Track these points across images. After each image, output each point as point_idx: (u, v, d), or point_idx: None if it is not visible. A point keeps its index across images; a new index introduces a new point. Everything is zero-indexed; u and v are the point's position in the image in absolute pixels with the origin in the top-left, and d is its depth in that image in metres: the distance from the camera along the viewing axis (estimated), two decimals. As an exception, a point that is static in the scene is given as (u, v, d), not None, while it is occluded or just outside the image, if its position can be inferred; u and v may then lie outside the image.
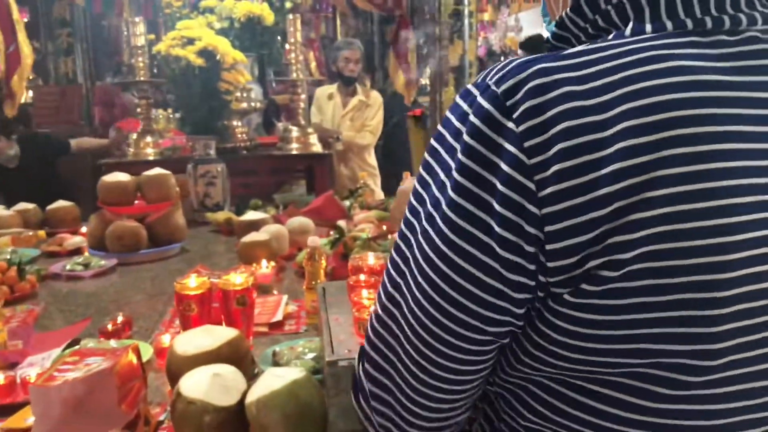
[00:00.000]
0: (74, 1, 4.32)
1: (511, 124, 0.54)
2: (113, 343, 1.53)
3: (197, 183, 3.08)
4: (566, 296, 0.55)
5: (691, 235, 0.52)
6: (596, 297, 0.54)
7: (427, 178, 0.61)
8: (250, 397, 1.07)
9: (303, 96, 3.56)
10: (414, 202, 0.62)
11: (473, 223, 0.56)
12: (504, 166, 0.54)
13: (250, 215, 2.63)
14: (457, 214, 0.56)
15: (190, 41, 2.99)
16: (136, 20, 3.30)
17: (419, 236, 0.60)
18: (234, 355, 1.26)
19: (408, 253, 0.62)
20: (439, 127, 0.61)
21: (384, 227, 2.60)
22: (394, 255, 0.65)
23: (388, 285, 0.65)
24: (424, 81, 6.18)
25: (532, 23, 10.84)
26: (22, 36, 4.37)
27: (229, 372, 1.15)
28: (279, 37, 4.04)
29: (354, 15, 7.17)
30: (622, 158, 0.52)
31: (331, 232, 2.66)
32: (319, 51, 7.16)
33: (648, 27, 0.59)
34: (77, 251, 2.59)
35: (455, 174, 0.56)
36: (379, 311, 0.66)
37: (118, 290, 2.14)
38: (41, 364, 1.46)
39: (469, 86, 0.59)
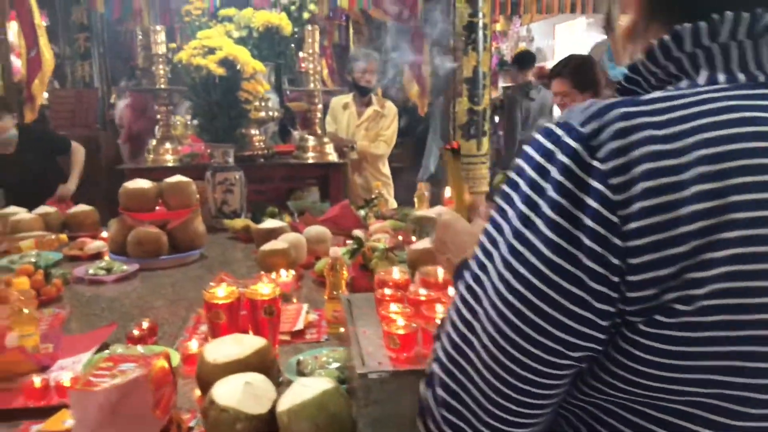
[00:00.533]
0: (94, 7, 4.38)
1: (596, 163, 0.59)
2: (140, 348, 1.57)
3: (215, 190, 3.13)
4: (641, 325, 0.60)
5: (761, 275, 0.57)
6: (669, 328, 0.59)
7: (506, 207, 0.65)
8: (281, 407, 1.10)
9: (320, 106, 3.61)
10: (491, 230, 0.67)
11: (563, 257, 0.60)
12: (591, 202, 0.59)
13: (269, 223, 2.67)
14: (548, 247, 0.60)
15: (211, 50, 3.04)
16: (157, 29, 3.36)
17: (498, 265, 0.64)
18: (262, 363, 1.30)
19: (485, 279, 0.66)
20: (519, 161, 0.66)
21: (399, 237, 2.64)
22: (469, 280, 0.68)
23: (463, 310, 0.68)
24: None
25: (543, 34, 10.89)
26: (43, 41, 4.46)
27: (259, 381, 1.19)
28: (293, 45, 4.09)
29: (367, 23, 7.22)
30: (698, 201, 0.57)
31: (348, 242, 2.71)
32: (331, 59, 7.22)
33: (721, 77, 0.64)
34: (98, 255, 2.64)
35: (546, 210, 0.61)
36: (454, 337, 0.69)
37: (140, 295, 2.18)
38: (72, 368, 1.51)
39: (550, 126, 0.64)
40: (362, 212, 3.04)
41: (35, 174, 3.72)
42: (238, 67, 3.09)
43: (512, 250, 0.63)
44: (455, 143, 1.03)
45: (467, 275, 0.69)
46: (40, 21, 4.44)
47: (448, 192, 3.12)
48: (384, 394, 1.01)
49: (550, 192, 0.61)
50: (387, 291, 1.22)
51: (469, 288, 0.68)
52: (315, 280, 2.27)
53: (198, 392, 1.41)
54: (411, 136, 5.36)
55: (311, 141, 3.64)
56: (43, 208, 3.05)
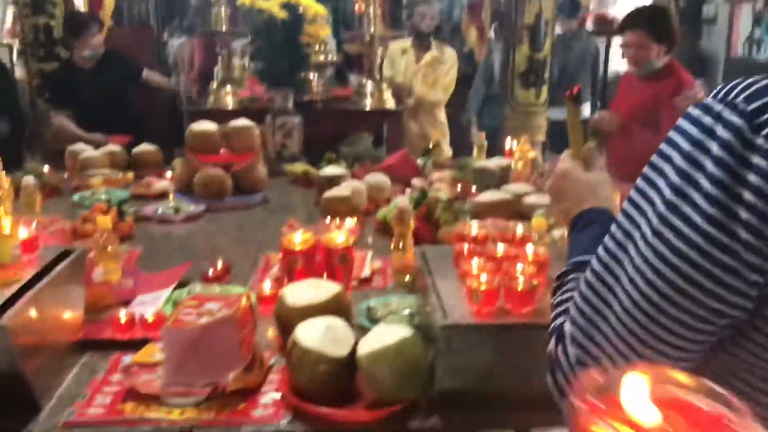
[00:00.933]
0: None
1: (760, 141, 0.60)
2: (217, 288, 1.64)
3: (275, 134, 3.16)
4: None
5: None
6: None
7: (656, 179, 0.67)
8: (362, 351, 1.14)
9: (378, 50, 3.57)
10: (638, 199, 0.69)
11: (720, 230, 0.62)
12: (753, 179, 0.60)
13: (330, 170, 2.69)
14: (705, 220, 0.62)
15: (274, -6, 3.02)
16: (220, -31, 3.35)
17: (647, 235, 0.66)
18: (338, 308, 1.34)
19: (630, 247, 0.68)
20: (672, 133, 0.67)
21: (459, 187, 2.63)
22: (611, 245, 0.71)
23: (603, 273, 0.71)
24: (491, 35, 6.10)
25: (605, -22, 10.39)
26: (105, -23, 4.49)
27: (339, 324, 1.23)
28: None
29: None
30: None
31: (407, 190, 2.72)
32: (385, 2, 7.07)
33: None
34: (163, 194, 2.72)
35: (705, 184, 0.62)
36: (591, 297, 0.72)
37: (207, 236, 2.25)
38: (153, 304, 1.58)
39: (708, 101, 0.65)
40: (420, 161, 3.04)
41: (109, 96, 3.75)
42: (300, 10, 3.06)
43: (664, 221, 0.65)
44: (575, 88, 1.01)
45: (608, 240, 0.71)
46: (102, -43, 4.46)
47: (508, 143, 3.09)
48: (465, 345, 1.04)
49: (710, 168, 0.62)
50: (466, 246, 1.23)
51: (609, 252, 0.71)
52: (376, 228, 2.30)
53: (270, 332, 1.47)
54: (467, 84, 5.27)
55: (369, 86, 3.62)
56: (110, 147, 3.13)
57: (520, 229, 1.28)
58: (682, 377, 0.37)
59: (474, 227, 1.32)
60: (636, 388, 0.35)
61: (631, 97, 3.06)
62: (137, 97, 4.09)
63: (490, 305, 1.05)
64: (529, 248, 1.18)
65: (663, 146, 0.68)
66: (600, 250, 0.73)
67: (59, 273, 1.30)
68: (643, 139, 2.82)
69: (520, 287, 1.04)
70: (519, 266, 1.10)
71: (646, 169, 0.69)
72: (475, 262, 1.12)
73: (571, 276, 0.86)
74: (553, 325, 0.80)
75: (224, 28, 3.37)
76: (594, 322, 0.71)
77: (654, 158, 0.68)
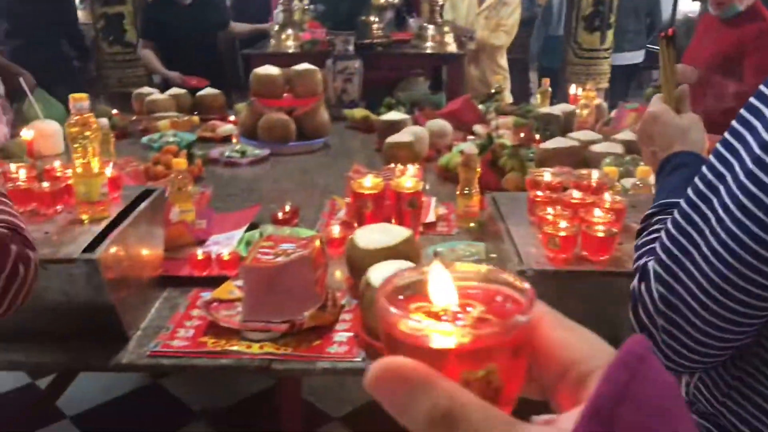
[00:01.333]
0: None
1: None
2: (287, 230, 1.68)
3: (335, 79, 3.15)
4: None
5: None
6: None
7: (744, 132, 0.67)
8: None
9: (440, -8, 3.48)
10: (724, 152, 0.69)
11: None
12: None
13: (391, 115, 2.68)
14: None
15: (336, -68, 2.95)
16: None
17: (732, 186, 0.67)
18: (408, 252, 1.36)
19: (713, 198, 0.69)
20: (754, 101, 0.66)
21: (522, 134, 2.59)
22: (701, 186, 0.72)
23: (693, 215, 0.72)
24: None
25: None
26: None
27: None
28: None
29: None
30: None
31: (469, 137, 2.69)
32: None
33: None
34: (228, 138, 2.77)
35: None
36: (678, 236, 0.73)
37: (274, 179, 2.29)
38: (227, 244, 1.64)
39: None
40: (482, 107, 2.99)
41: (197, 36, 3.71)
42: (363, -50, 3.00)
43: (750, 175, 0.65)
44: (671, 30, 0.98)
45: (697, 182, 0.71)
46: None
47: (573, 89, 3.01)
48: (542, 291, 1.04)
49: None
50: (539, 193, 1.23)
51: (699, 193, 0.71)
52: (438, 174, 2.30)
53: (339, 273, 1.51)
54: (528, 26, 5.11)
55: (430, 30, 3.54)
56: (175, 90, 3.19)
57: (595, 176, 1.26)
58: (473, 267, 0.39)
59: (548, 174, 1.30)
60: (438, 279, 0.37)
61: (711, 42, 2.90)
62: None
63: (567, 252, 1.05)
64: (607, 196, 1.16)
65: (753, 100, 0.67)
66: (689, 192, 0.73)
67: (142, 211, 1.36)
68: (725, 89, 2.69)
69: (599, 234, 1.03)
70: (597, 213, 1.09)
71: (735, 121, 0.69)
72: (549, 209, 1.11)
73: (658, 218, 0.85)
74: (637, 264, 0.82)
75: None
76: (680, 261, 0.72)
77: (743, 111, 0.68)
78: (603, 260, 1.05)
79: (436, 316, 0.36)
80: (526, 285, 0.37)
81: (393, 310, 0.33)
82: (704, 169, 0.72)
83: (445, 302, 0.36)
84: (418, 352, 0.32)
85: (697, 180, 0.72)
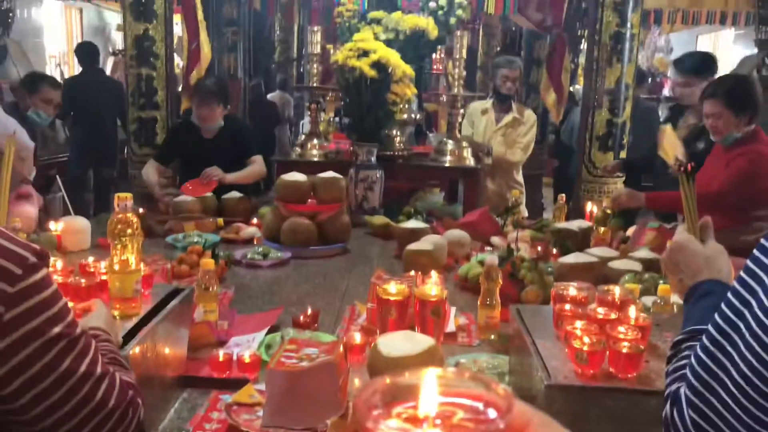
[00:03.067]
0: (252, 5, 4.65)
1: None
2: (308, 333, 1.69)
3: (357, 186, 3.25)
4: None
5: None
6: None
7: (759, 272, 0.72)
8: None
9: (462, 111, 3.66)
10: (742, 290, 0.74)
11: None
12: None
13: (411, 223, 2.74)
14: None
15: (365, 53, 3.16)
16: (314, 29, 3.54)
17: (753, 324, 0.71)
18: (431, 362, 1.35)
19: (747, 315, 0.72)
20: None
21: (539, 248, 2.63)
22: (728, 312, 0.75)
23: (720, 338, 0.75)
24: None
25: (684, 44, 10.34)
26: (203, 35, 4.80)
27: (435, 378, 1.25)
28: (439, 47, 4.15)
29: (503, 29, 7.18)
30: None
31: (487, 248, 2.74)
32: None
33: None
34: (251, 240, 2.83)
35: None
36: (708, 362, 0.75)
37: (295, 282, 2.32)
38: (248, 346, 1.64)
39: None
40: (499, 220, 3.05)
41: (220, 164, 3.40)
42: (390, 69, 3.19)
43: (759, 321, 0.70)
44: (689, 165, 1.04)
45: (724, 307, 0.74)
46: (203, 17, 4.77)
47: (588, 206, 3.08)
48: (569, 407, 1.04)
49: None
50: (567, 306, 1.24)
51: (726, 319, 0.74)
52: (457, 283, 2.32)
53: (358, 381, 1.50)
54: (543, 144, 5.30)
55: (450, 144, 3.69)
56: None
57: (618, 292, 1.28)
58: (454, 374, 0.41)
59: (573, 288, 1.33)
60: (421, 385, 0.38)
61: (714, 167, 3.01)
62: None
63: (595, 368, 1.05)
64: (632, 312, 1.18)
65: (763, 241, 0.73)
66: (717, 317, 0.75)
67: (171, 310, 1.38)
68: (720, 214, 2.76)
69: (626, 350, 1.04)
70: (622, 329, 1.10)
71: (756, 250, 0.74)
72: (578, 323, 1.13)
73: (687, 344, 0.87)
74: (668, 390, 0.83)
75: (315, 84, 3.53)
76: (712, 387, 0.73)
77: (763, 240, 0.73)
78: (631, 377, 1.05)
79: (415, 422, 0.37)
80: (506, 390, 0.38)
81: (369, 414, 0.35)
82: (730, 295, 0.75)
83: (426, 408, 0.38)
84: None
85: (723, 306, 0.75)
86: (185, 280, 2.08)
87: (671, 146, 3.20)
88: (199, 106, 3.40)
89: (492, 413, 0.38)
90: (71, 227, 2.52)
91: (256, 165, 3.50)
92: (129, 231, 1.25)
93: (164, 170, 3.62)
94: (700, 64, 3.44)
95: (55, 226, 2.46)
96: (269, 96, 7.55)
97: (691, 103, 3.35)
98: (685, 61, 3.53)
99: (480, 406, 0.39)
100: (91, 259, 1.57)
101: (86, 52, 5.81)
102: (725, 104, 2.83)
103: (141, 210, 3.04)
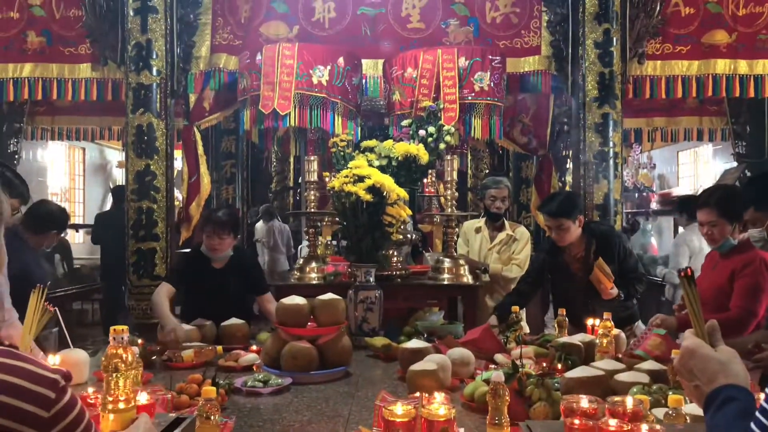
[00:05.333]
0: (249, 137, 4.87)
1: None
2: (314, 463, 1.63)
3: (357, 308, 3.25)
4: None
5: None
6: None
7: None
8: None
9: (456, 229, 3.74)
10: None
11: None
12: None
13: (413, 343, 2.72)
14: None
15: (360, 179, 3.28)
16: (311, 158, 3.70)
17: None
18: (443, 486, 1.31)
19: None
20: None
21: (543, 364, 2.60)
22: (763, 421, 0.79)
23: None
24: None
25: (665, 160, 10.74)
26: (203, 168, 4.99)
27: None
28: (431, 172, 4.30)
29: (490, 152, 7.48)
30: None
31: (491, 366, 2.70)
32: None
33: None
34: (250, 367, 2.78)
35: None
36: None
37: (296, 409, 2.26)
38: (251, 477, 1.58)
39: None
40: (501, 337, 3.03)
41: (226, 304, 3.45)
42: (384, 193, 3.30)
43: None
44: (689, 270, 1.07)
45: (755, 427, 0.78)
46: (202, 151, 4.99)
47: (590, 321, 3.07)
48: None
49: None
50: (576, 421, 1.22)
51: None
52: (464, 404, 2.27)
53: None
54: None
55: (447, 262, 3.73)
56: (199, 320, 3.28)
57: (629, 403, 1.26)
58: None
59: (585, 401, 1.31)
60: None
61: (712, 276, 3.06)
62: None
63: (613, 483, 1.02)
64: (645, 427, 1.16)
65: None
66: (754, 426, 0.78)
67: (173, 440, 1.34)
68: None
69: (644, 464, 1.02)
70: (637, 441, 1.08)
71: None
72: (592, 436, 1.10)
73: None
74: None
75: (313, 209, 3.63)
76: None
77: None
78: (651, 492, 1.02)
79: None
80: None
81: None
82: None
83: None
84: None
85: (759, 414, 0.77)
86: (187, 411, 2.03)
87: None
88: (211, 236, 3.42)
89: None
90: (70, 360, 2.48)
91: (274, 304, 3.28)
92: (123, 366, 1.24)
93: (173, 293, 3.57)
94: (567, 204, 3.47)
95: (53, 359, 2.42)
96: (261, 226, 7.71)
97: (566, 243, 3.45)
98: (549, 205, 3.53)
99: None
100: (91, 390, 1.54)
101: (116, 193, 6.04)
102: (719, 213, 2.92)
103: (140, 341, 3.01)
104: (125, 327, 1.29)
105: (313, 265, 3.70)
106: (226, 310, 3.36)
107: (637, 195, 9.36)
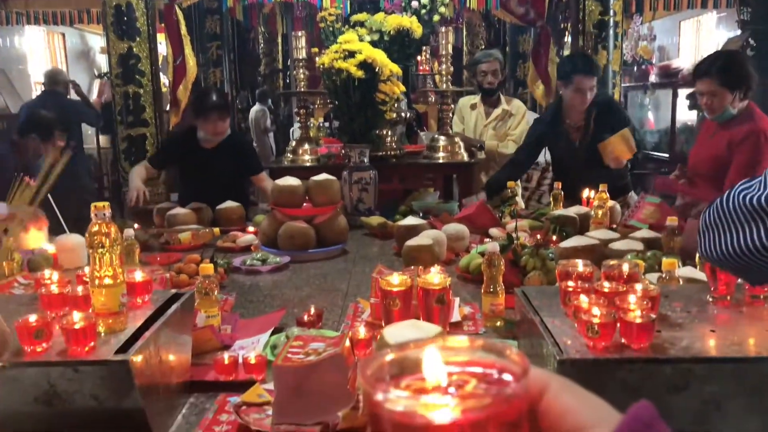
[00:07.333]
0: (233, 15, 4.65)
1: None
2: (314, 331, 1.67)
3: (351, 189, 3.24)
4: None
5: None
6: None
7: None
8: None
9: (452, 106, 3.65)
10: None
11: None
12: None
13: (409, 220, 2.73)
14: None
15: (350, 54, 3.15)
16: (298, 34, 3.53)
17: None
18: (439, 349, 1.34)
19: None
20: None
21: (538, 236, 2.62)
22: None
23: None
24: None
25: (667, 31, 10.37)
26: (188, 50, 4.79)
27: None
28: (424, 47, 4.15)
29: (486, 26, 7.20)
30: None
31: (486, 240, 2.72)
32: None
33: None
34: (248, 248, 2.81)
35: None
36: None
37: (295, 285, 2.30)
38: (252, 348, 1.62)
39: None
40: (496, 212, 3.04)
41: (221, 184, 3.44)
42: (377, 69, 3.18)
43: None
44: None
45: None
46: (186, 32, 4.76)
47: (585, 192, 3.07)
48: (583, 381, 1.02)
49: None
50: (570, 283, 1.23)
51: None
52: (459, 276, 2.30)
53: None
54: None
55: (442, 140, 3.68)
56: (195, 204, 3.27)
57: (625, 267, 1.27)
58: (466, 342, 0.38)
59: (580, 264, 1.31)
60: (431, 360, 0.35)
61: (708, 145, 3.01)
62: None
63: (606, 340, 1.04)
64: (639, 286, 1.16)
65: None
66: None
67: (172, 314, 1.36)
68: (708, 191, 2.77)
69: (638, 320, 1.02)
70: (632, 299, 1.09)
71: None
72: (583, 298, 1.11)
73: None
74: None
75: (303, 89, 3.52)
76: None
77: None
78: (644, 347, 1.03)
79: (425, 393, 0.34)
80: (520, 354, 0.36)
81: (378, 385, 0.32)
82: None
83: (436, 379, 0.35)
84: (406, 430, 0.30)
85: None
86: (186, 289, 2.06)
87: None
88: (214, 121, 3.36)
89: (507, 379, 0.35)
90: (66, 245, 2.49)
91: (269, 182, 3.42)
92: (107, 241, 1.22)
93: (153, 174, 3.66)
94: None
95: (50, 244, 2.43)
96: (254, 110, 7.56)
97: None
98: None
99: (494, 373, 0.36)
100: (87, 269, 1.54)
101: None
102: (720, 82, 2.83)
103: (136, 226, 3.02)
104: (106, 203, 1.25)
105: (306, 146, 3.64)
106: (221, 192, 3.36)
107: (635, 68, 9.10)
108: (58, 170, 2.88)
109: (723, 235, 0.90)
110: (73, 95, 5.97)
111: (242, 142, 3.67)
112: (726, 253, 0.91)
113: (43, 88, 5.85)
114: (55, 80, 5.66)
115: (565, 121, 3.40)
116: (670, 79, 7.57)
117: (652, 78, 8.94)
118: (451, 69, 3.60)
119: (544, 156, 3.89)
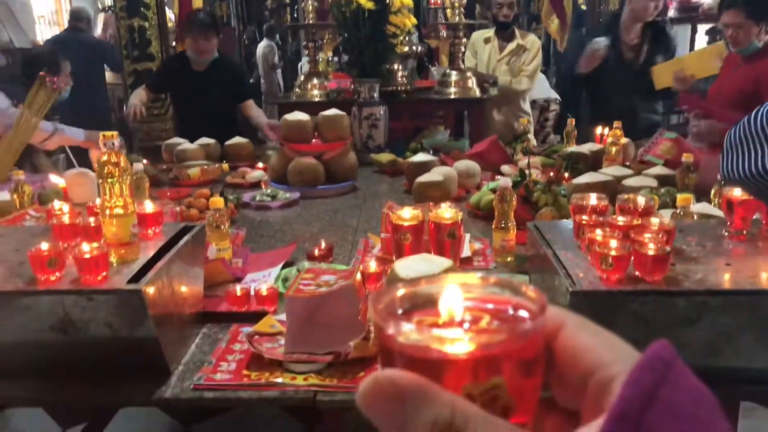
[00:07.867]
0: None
1: None
2: (324, 265, 1.67)
3: (361, 125, 3.19)
4: None
5: None
6: None
7: None
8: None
9: (464, 40, 3.55)
10: None
11: None
12: None
13: (419, 157, 2.70)
14: None
15: (360, -16, 3.05)
16: (307, -36, 3.42)
17: None
18: (450, 282, 1.34)
19: None
20: None
21: (551, 173, 2.59)
22: None
23: None
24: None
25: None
26: (193, -20, 4.66)
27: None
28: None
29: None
30: None
31: (497, 177, 2.70)
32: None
33: None
34: (257, 184, 2.80)
35: None
36: None
37: (305, 221, 2.30)
38: (264, 281, 1.63)
39: None
40: (508, 149, 3.00)
41: (211, 109, 3.50)
42: (387, 0, 3.09)
43: None
44: None
45: None
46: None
47: (599, 129, 3.01)
48: (596, 313, 1.02)
49: None
50: (584, 217, 1.21)
51: None
52: (470, 212, 2.29)
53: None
54: (548, 72, 5.18)
55: (454, 75, 3.60)
56: (204, 140, 3.25)
57: (640, 200, 1.25)
58: (480, 279, 0.36)
59: (593, 198, 1.29)
60: (442, 290, 0.34)
61: (733, 79, 2.93)
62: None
63: (620, 272, 1.03)
64: (654, 219, 1.15)
65: None
66: None
67: (184, 246, 1.36)
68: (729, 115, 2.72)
69: (652, 252, 1.01)
70: (647, 232, 1.07)
71: None
72: (598, 231, 1.10)
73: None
74: None
75: (311, 21, 3.42)
76: None
77: None
78: (657, 280, 1.03)
79: (438, 328, 0.33)
80: (537, 291, 0.35)
81: (390, 318, 0.31)
82: None
83: (449, 314, 0.34)
84: (417, 365, 0.29)
85: None
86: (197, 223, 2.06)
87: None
88: (197, 38, 3.42)
89: (523, 315, 0.34)
90: (77, 180, 2.49)
91: (256, 110, 3.59)
92: (117, 171, 1.21)
93: (152, 98, 3.77)
94: None
95: (61, 178, 2.43)
96: (262, 45, 7.41)
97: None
98: None
99: (509, 309, 0.35)
100: (98, 201, 1.54)
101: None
102: (746, 14, 2.74)
103: (144, 161, 3.01)
104: (115, 133, 1.23)
105: (315, 81, 3.58)
106: (210, 114, 3.49)
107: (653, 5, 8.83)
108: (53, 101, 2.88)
109: (747, 154, 0.87)
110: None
111: (231, 65, 3.71)
112: (749, 174, 0.88)
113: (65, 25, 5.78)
114: (79, 17, 5.55)
115: (620, 38, 3.36)
116: (690, 14, 7.32)
117: (671, 13, 8.67)
118: (464, 1, 3.49)
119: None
